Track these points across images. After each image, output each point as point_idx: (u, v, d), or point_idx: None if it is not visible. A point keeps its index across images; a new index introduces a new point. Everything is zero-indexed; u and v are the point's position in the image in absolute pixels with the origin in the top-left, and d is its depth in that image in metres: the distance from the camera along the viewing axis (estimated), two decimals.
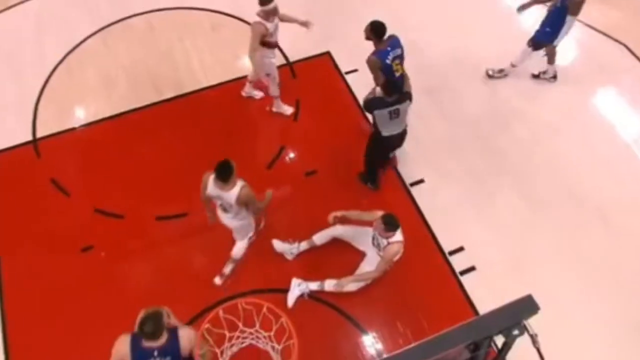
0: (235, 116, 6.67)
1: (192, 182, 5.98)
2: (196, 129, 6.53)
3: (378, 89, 5.56)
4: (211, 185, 4.75)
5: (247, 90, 6.78)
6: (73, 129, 6.60)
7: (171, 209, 5.88)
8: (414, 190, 6.09)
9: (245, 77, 6.78)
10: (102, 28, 7.54)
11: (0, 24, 7.67)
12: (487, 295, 5.33)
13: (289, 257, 5.56)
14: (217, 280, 5.43)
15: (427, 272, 5.56)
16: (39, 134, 6.53)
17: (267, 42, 5.84)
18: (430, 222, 5.85)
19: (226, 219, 5.13)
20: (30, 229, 5.82)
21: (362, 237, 5.39)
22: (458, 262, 5.59)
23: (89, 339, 5.08)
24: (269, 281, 5.41)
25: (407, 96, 5.45)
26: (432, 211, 5.93)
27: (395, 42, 5.60)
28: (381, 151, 5.85)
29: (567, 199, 6.06)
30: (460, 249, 5.69)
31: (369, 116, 5.82)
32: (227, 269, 5.46)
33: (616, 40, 7.54)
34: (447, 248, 5.68)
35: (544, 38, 6.62)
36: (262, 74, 6.32)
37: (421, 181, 6.16)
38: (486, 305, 5.17)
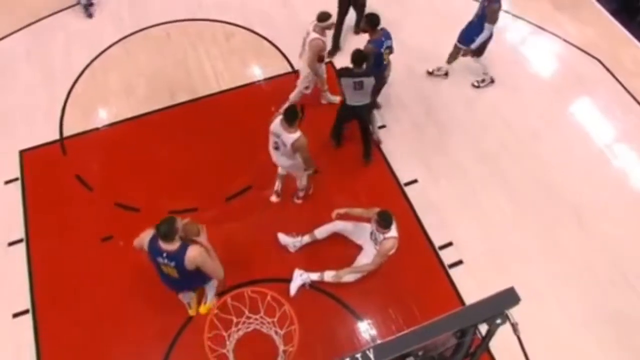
0: (244, 118, 6.60)
1: (204, 179, 6.03)
2: (208, 130, 6.48)
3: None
4: (276, 123, 5.02)
5: (326, 97, 6.63)
6: (96, 129, 6.56)
7: (183, 203, 5.82)
8: (408, 190, 6.04)
9: (253, 83, 6.75)
10: (125, 37, 7.50)
11: (34, 33, 7.63)
12: (473, 286, 5.34)
13: (292, 249, 5.51)
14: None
15: (418, 265, 5.52)
16: (65, 133, 6.50)
17: (321, 57, 5.84)
18: (422, 219, 5.81)
19: (276, 155, 5.32)
20: (56, 218, 5.80)
21: (360, 232, 5.35)
22: (447, 256, 5.55)
23: (108, 321, 5.11)
24: (272, 272, 5.36)
25: (371, 73, 5.46)
26: (424, 209, 5.89)
27: (387, 33, 5.78)
28: (344, 117, 5.93)
29: (547, 200, 6.02)
30: (449, 244, 5.65)
31: None
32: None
33: (591, 55, 7.50)
34: (437, 243, 5.64)
35: (466, 41, 6.58)
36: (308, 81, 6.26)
37: (415, 181, 6.11)
38: (472, 296, 5.23)
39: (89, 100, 6.83)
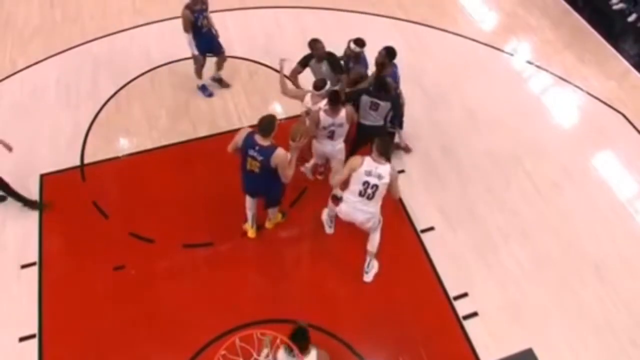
0: None
1: (221, 213, 6.03)
2: (228, 165, 6.48)
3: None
4: (324, 116, 5.40)
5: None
6: (117, 157, 6.66)
7: (199, 237, 5.84)
8: (424, 237, 5.96)
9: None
10: (151, 69, 7.69)
11: (63, 61, 7.89)
12: (487, 340, 5.18)
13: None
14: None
15: (432, 314, 5.39)
16: (86, 160, 6.60)
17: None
18: (437, 267, 5.71)
19: (329, 145, 5.65)
20: (71, 244, 5.85)
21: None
22: (462, 307, 5.42)
23: (112, 352, 5.06)
24: (286, 312, 5.24)
25: (389, 98, 5.73)
26: (440, 257, 5.79)
27: (395, 65, 6.10)
28: (361, 139, 6.03)
29: (567, 254, 5.90)
30: (465, 294, 5.52)
31: None
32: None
33: (615, 109, 7.49)
34: (452, 293, 5.52)
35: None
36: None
37: (431, 228, 6.05)
38: (486, 350, 5.10)
39: (112, 129, 6.96)
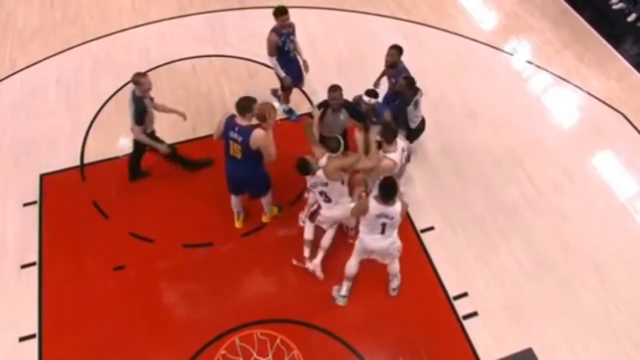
0: None
1: (221, 214, 6.02)
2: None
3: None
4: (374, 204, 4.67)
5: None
6: (117, 157, 6.65)
7: (199, 237, 5.84)
8: (424, 237, 5.97)
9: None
10: (151, 69, 7.67)
11: (63, 61, 7.89)
12: (487, 340, 5.19)
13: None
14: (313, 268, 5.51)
15: (432, 314, 5.39)
16: (86, 160, 6.60)
17: None
18: (437, 267, 5.71)
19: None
20: (71, 244, 5.83)
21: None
22: (461, 307, 5.42)
23: (111, 352, 5.06)
24: (286, 312, 5.27)
25: (418, 89, 5.84)
26: (440, 257, 5.79)
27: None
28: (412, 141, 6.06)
29: (567, 254, 5.90)
30: (465, 294, 5.52)
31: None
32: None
33: (615, 109, 7.49)
34: (452, 293, 5.52)
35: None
36: None
37: (431, 228, 6.05)
38: (486, 350, 5.10)
39: (112, 129, 6.95)
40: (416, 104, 5.88)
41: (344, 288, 5.28)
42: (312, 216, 5.36)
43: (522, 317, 5.37)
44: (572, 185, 6.57)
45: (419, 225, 6.05)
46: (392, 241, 4.85)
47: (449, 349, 5.16)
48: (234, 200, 5.76)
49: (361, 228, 4.83)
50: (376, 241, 4.81)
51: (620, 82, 7.93)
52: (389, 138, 5.05)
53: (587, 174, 6.75)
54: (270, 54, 6.42)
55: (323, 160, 5.02)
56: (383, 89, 6.35)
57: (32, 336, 5.16)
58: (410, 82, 5.79)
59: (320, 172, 4.89)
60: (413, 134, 6.16)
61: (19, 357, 5.04)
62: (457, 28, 8.57)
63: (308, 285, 5.53)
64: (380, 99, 5.78)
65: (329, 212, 5.23)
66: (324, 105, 5.63)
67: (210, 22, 8.42)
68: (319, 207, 5.26)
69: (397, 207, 4.55)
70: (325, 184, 4.94)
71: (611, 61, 8.29)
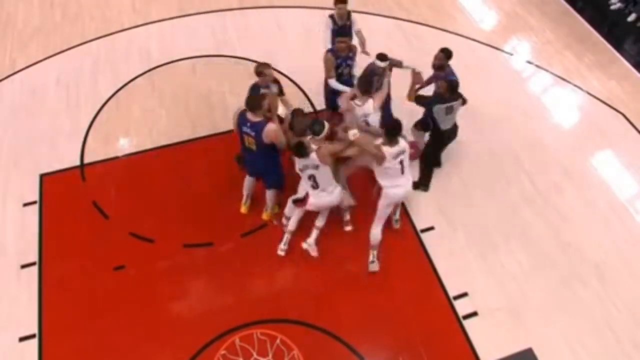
0: None
1: (220, 214, 6.03)
2: (227, 165, 6.52)
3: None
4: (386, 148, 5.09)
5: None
6: (116, 157, 6.66)
7: (199, 237, 5.84)
8: (424, 236, 5.97)
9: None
10: (151, 69, 7.69)
11: (63, 61, 7.89)
12: (487, 340, 5.19)
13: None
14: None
15: (432, 314, 5.40)
16: (86, 160, 6.60)
17: None
18: (437, 267, 5.71)
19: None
20: (71, 244, 5.83)
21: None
22: (461, 307, 5.42)
23: (111, 351, 5.06)
24: (286, 312, 5.27)
25: (460, 96, 5.82)
26: (440, 257, 5.80)
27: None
28: (440, 145, 6.19)
29: (567, 254, 5.89)
30: (464, 294, 5.52)
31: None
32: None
33: (615, 109, 7.49)
34: (452, 292, 5.52)
35: None
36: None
37: (431, 228, 6.05)
38: (486, 350, 5.09)
39: (112, 129, 6.96)
40: (450, 110, 5.78)
41: (371, 255, 5.55)
42: (298, 202, 5.46)
43: (522, 317, 5.37)
44: (572, 185, 6.56)
45: (419, 225, 6.05)
46: (410, 178, 5.33)
47: (449, 349, 5.16)
48: (248, 181, 5.86)
49: (383, 183, 5.21)
50: (401, 187, 5.25)
51: (620, 82, 7.93)
52: (390, 138, 5.10)
53: (587, 174, 6.75)
54: (328, 75, 6.12)
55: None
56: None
57: (32, 336, 5.16)
58: (452, 86, 5.77)
59: (313, 155, 5.05)
60: (439, 138, 6.09)
61: (18, 357, 5.04)
62: (456, 28, 8.57)
63: (308, 285, 5.55)
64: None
65: (317, 200, 5.30)
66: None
67: (210, 22, 8.44)
68: (307, 195, 5.36)
69: (404, 142, 5.10)
70: (316, 167, 5.08)
71: (611, 61, 8.28)
